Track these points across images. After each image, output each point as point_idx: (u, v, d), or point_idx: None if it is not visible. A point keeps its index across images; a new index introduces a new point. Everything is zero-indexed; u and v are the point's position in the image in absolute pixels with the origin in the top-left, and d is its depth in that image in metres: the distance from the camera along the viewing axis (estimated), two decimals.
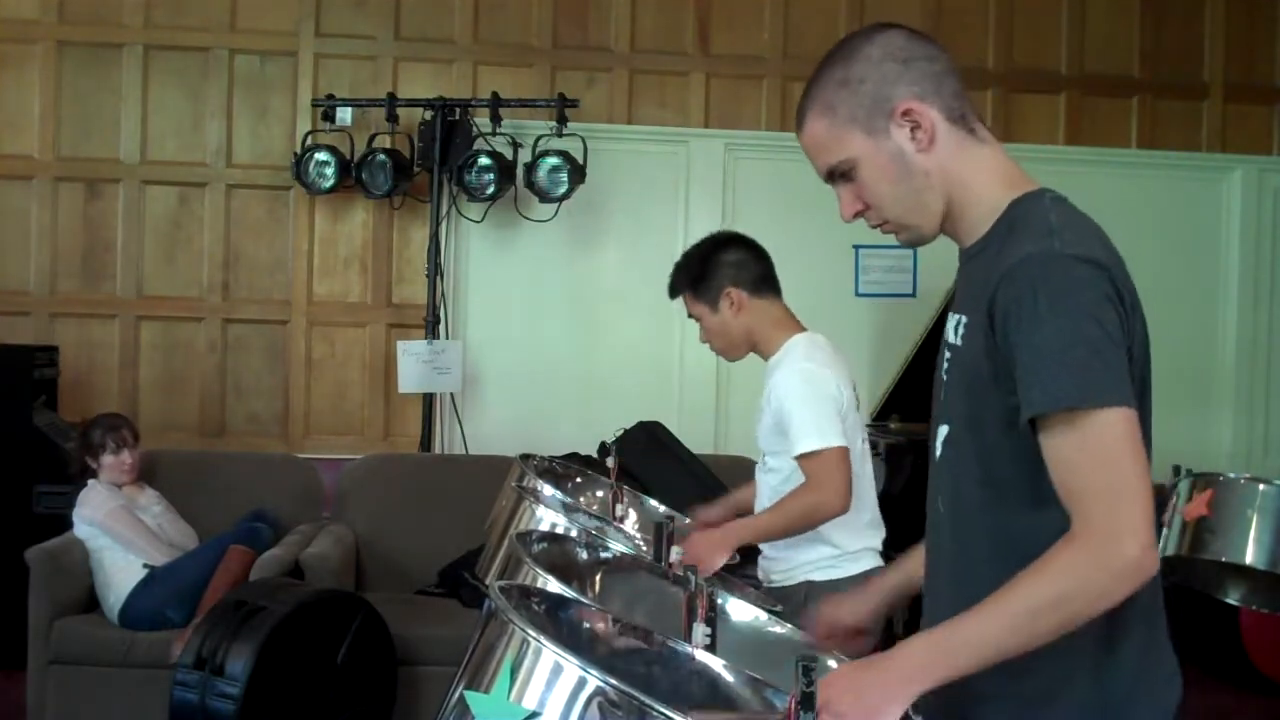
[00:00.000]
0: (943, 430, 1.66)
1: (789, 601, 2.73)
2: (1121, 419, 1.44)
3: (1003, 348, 1.51)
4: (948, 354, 1.67)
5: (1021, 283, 1.48)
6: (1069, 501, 1.46)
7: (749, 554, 3.02)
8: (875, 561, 2.88)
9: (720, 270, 2.90)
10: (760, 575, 2.96)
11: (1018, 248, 1.52)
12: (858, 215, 1.68)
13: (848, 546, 2.83)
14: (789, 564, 2.87)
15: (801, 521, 2.75)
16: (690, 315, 2.98)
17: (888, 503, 3.06)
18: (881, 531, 2.96)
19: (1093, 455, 1.44)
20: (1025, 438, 1.50)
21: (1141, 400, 1.52)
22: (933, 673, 1.44)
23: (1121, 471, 1.43)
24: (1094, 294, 1.47)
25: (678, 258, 3.02)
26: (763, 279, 2.93)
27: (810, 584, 2.83)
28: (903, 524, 2.71)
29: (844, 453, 2.72)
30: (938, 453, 1.67)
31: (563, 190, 5.46)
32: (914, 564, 1.94)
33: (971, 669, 1.44)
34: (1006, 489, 1.56)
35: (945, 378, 1.67)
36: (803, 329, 2.94)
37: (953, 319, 1.68)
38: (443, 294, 5.58)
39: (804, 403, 2.74)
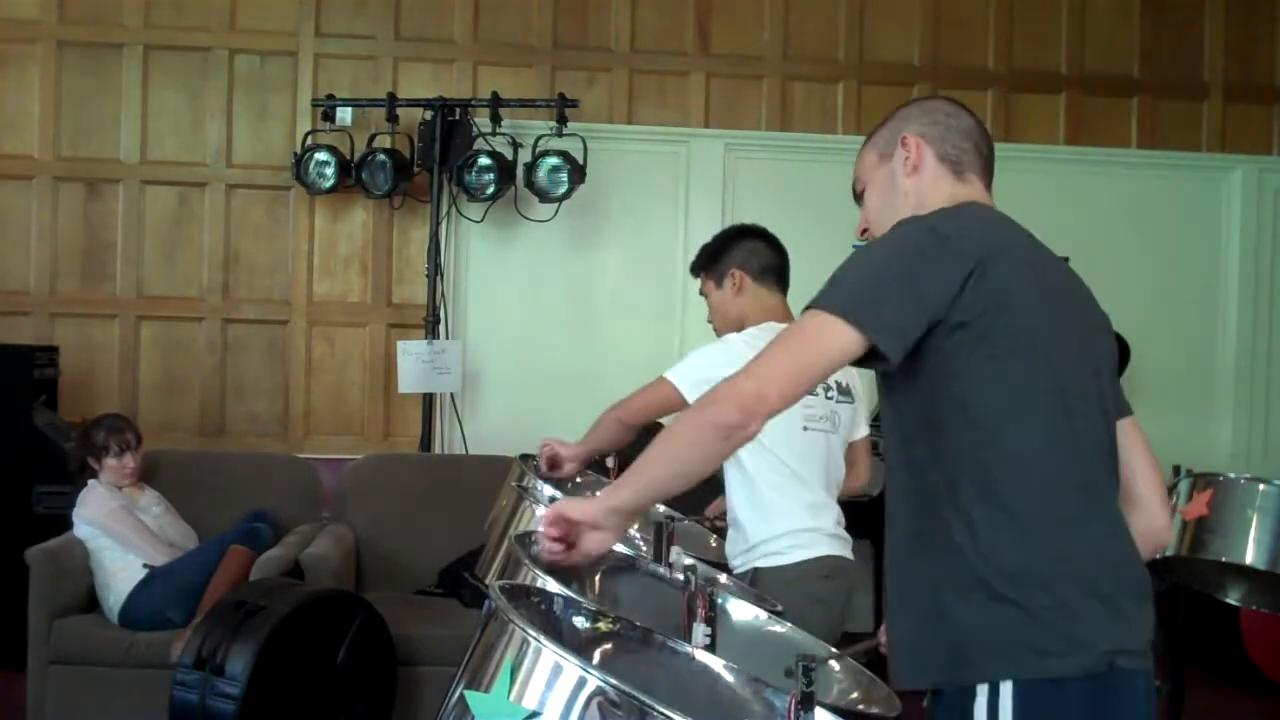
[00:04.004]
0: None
1: None
2: (833, 325, 1.62)
3: None
4: None
5: None
6: None
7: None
8: (828, 546, 2.87)
9: (733, 253, 3.10)
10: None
11: None
12: (861, 234, 1.97)
13: (785, 528, 2.83)
14: (736, 548, 2.90)
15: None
16: (701, 293, 3.19)
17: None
18: (833, 513, 2.92)
19: (786, 332, 1.69)
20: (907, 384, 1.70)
21: (1045, 362, 1.67)
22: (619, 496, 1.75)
23: (787, 348, 1.65)
24: (911, 242, 1.68)
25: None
26: (769, 269, 3.08)
27: (757, 570, 2.84)
28: None
29: (668, 385, 3.00)
30: None
31: (563, 190, 5.46)
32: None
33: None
34: (901, 444, 1.76)
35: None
36: (788, 321, 2.94)
37: None
38: (443, 294, 5.58)
39: (696, 352, 3.02)
